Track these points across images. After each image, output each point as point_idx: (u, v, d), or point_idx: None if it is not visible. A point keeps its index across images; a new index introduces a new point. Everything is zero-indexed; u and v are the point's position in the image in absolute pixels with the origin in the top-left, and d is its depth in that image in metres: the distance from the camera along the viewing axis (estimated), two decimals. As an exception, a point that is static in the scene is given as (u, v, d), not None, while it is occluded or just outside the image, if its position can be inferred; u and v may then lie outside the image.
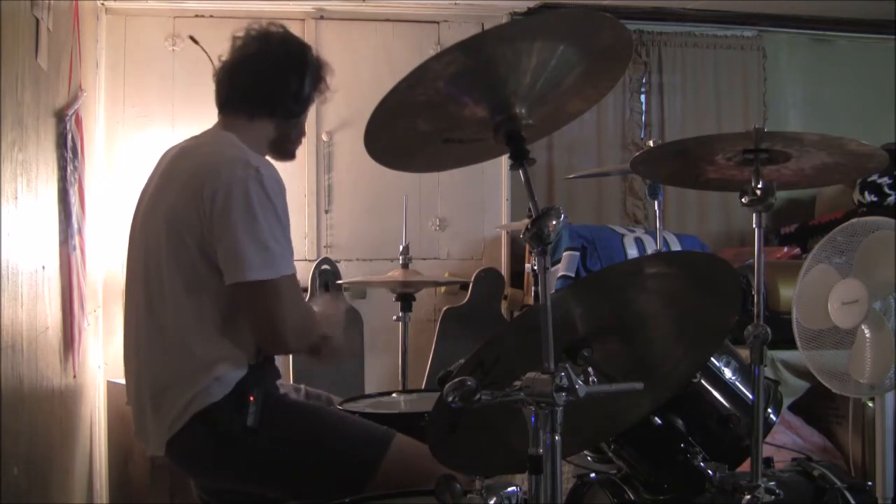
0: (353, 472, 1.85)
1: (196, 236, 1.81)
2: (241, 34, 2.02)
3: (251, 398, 1.80)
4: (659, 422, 1.77)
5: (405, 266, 3.06)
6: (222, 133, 1.97)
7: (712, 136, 1.73)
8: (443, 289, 4.30)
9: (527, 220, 1.27)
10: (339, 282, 3.92)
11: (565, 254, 3.78)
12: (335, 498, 1.64)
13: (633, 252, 3.78)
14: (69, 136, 2.81)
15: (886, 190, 3.93)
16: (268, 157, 2.03)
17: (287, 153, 2.09)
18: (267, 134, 2.01)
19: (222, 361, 1.81)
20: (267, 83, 1.98)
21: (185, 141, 2.05)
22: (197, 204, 1.80)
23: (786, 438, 3.21)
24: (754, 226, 1.68)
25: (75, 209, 2.92)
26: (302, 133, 2.10)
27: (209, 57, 2.08)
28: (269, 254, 1.78)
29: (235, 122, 1.99)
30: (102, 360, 3.78)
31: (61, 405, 2.79)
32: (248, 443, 1.80)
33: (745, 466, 1.71)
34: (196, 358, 1.81)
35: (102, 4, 3.95)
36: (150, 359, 1.88)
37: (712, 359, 1.85)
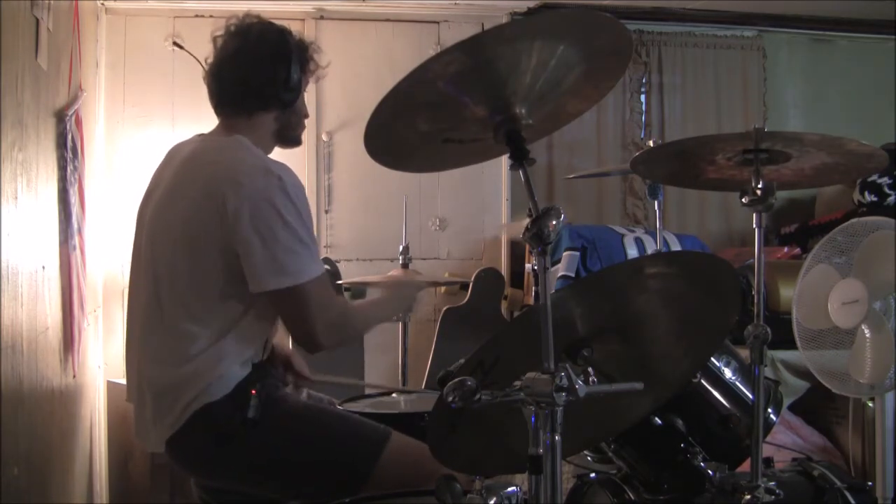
0: (349, 470, 1.85)
1: (216, 242, 1.81)
2: (220, 32, 2.00)
3: (252, 392, 1.81)
4: (659, 422, 1.77)
5: (405, 266, 3.05)
6: (235, 137, 1.95)
7: (712, 136, 1.73)
8: (443, 289, 4.29)
9: (527, 220, 1.27)
10: (339, 282, 3.91)
11: (565, 254, 3.78)
12: (333, 497, 1.64)
13: (633, 252, 3.78)
14: (69, 136, 2.81)
15: (886, 190, 3.93)
16: (276, 148, 2.06)
17: (292, 140, 2.09)
18: (268, 127, 2.01)
19: (226, 361, 1.82)
20: (254, 79, 1.97)
21: (195, 142, 2.03)
22: (218, 210, 1.80)
23: (786, 438, 3.21)
24: (754, 226, 1.68)
25: (75, 209, 2.92)
26: (302, 117, 2.08)
27: (198, 60, 2.08)
28: (295, 260, 1.80)
29: (237, 122, 1.99)
30: (102, 360, 3.78)
31: (61, 405, 2.79)
32: (247, 439, 1.81)
33: (745, 466, 1.71)
34: (200, 357, 1.81)
35: (102, 4, 3.95)
36: (155, 357, 1.87)
37: (712, 359, 1.85)
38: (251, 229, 1.79)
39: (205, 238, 1.82)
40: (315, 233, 4.12)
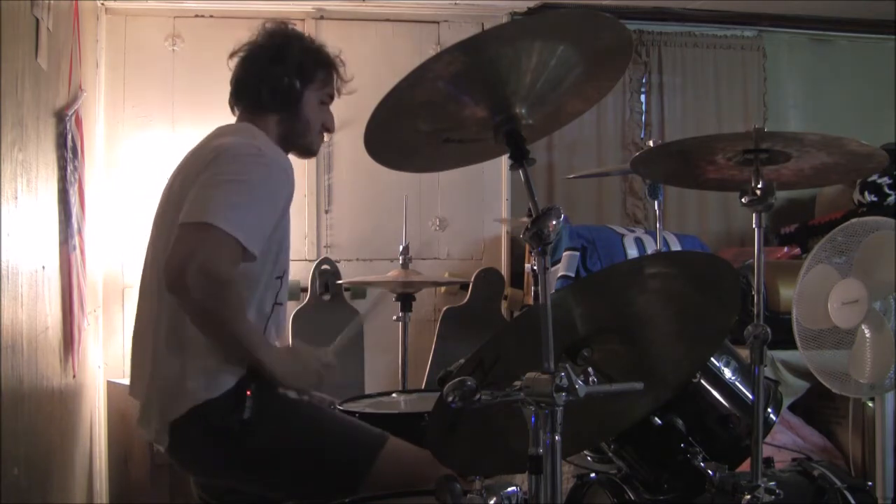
0: (344, 472, 1.85)
1: None
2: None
3: (248, 392, 1.80)
4: (659, 422, 1.77)
5: (405, 266, 3.06)
6: (239, 124, 1.99)
7: (712, 136, 1.73)
8: (443, 289, 4.30)
9: (526, 218, 1.27)
10: (339, 282, 3.92)
11: (565, 254, 3.78)
12: (328, 498, 1.64)
13: (633, 252, 3.78)
14: (69, 136, 2.81)
15: (886, 190, 3.93)
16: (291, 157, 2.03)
17: (299, 147, 2.06)
18: (272, 129, 2.00)
19: (227, 359, 1.81)
20: (250, 79, 1.99)
21: (208, 135, 2.04)
22: (201, 177, 1.80)
23: (786, 438, 3.21)
24: (754, 226, 1.68)
25: (75, 209, 2.92)
26: (311, 126, 2.05)
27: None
28: (221, 208, 1.70)
29: (246, 116, 2.02)
30: (102, 360, 3.78)
31: (61, 405, 2.79)
32: (243, 438, 1.80)
33: (745, 466, 1.71)
34: (202, 354, 1.81)
35: (102, 4, 3.95)
36: (158, 350, 1.87)
37: (712, 359, 1.85)
38: (207, 175, 1.77)
39: None
40: (315, 233, 4.18)
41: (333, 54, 2.07)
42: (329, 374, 1.93)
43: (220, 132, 1.98)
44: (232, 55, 2.03)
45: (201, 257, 1.66)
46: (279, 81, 1.97)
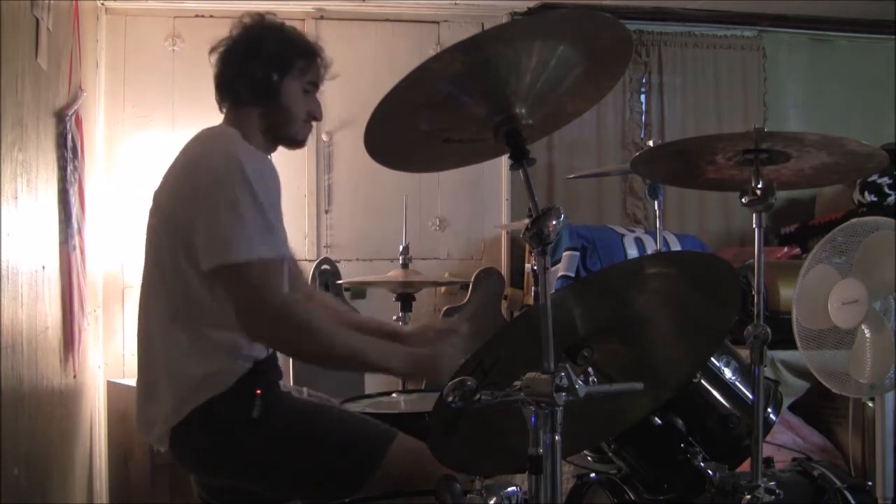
0: (354, 468, 1.84)
1: (186, 230, 1.80)
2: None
3: (258, 392, 1.80)
4: (659, 422, 1.77)
5: (405, 266, 3.06)
6: (221, 127, 1.97)
7: (712, 136, 1.73)
8: (443, 289, 4.30)
9: (527, 220, 1.27)
10: (339, 282, 3.92)
11: (565, 254, 3.79)
12: (337, 495, 1.63)
13: (633, 252, 3.78)
14: (69, 136, 2.81)
15: (886, 190, 3.93)
16: (281, 148, 2.03)
17: (286, 139, 2.04)
18: (255, 123, 1.98)
19: (222, 355, 1.81)
20: (228, 73, 1.97)
21: (189, 141, 2.04)
22: (185, 196, 1.81)
23: (786, 438, 3.21)
24: (754, 226, 1.68)
25: (75, 209, 2.93)
26: (294, 117, 2.01)
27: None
28: (234, 239, 1.73)
29: (229, 114, 2.00)
30: (102, 360, 3.78)
31: (61, 405, 2.79)
32: (249, 437, 1.80)
33: (745, 466, 1.71)
34: (204, 353, 1.81)
35: (102, 4, 3.96)
36: (160, 351, 1.87)
37: (712, 359, 1.85)
38: (202, 210, 1.77)
39: (180, 227, 1.81)
40: (315, 233, 4.18)
41: (312, 41, 2.03)
42: (461, 343, 1.96)
43: (200, 139, 1.95)
44: (211, 52, 2.00)
45: (255, 299, 1.72)
46: (255, 74, 1.94)
